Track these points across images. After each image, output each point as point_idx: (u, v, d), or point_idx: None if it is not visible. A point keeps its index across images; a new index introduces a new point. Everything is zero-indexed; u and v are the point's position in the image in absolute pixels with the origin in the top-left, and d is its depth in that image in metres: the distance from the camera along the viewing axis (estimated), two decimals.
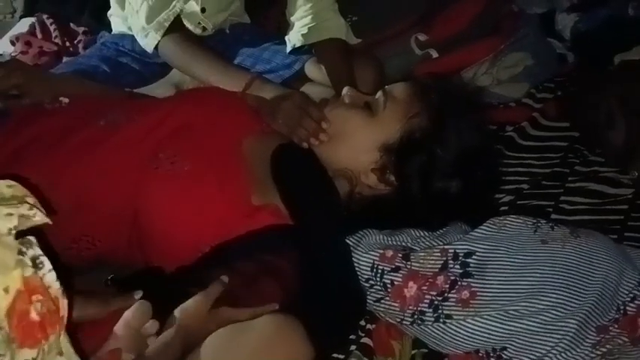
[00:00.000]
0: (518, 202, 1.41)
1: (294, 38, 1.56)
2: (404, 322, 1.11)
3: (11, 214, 0.56)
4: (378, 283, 1.12)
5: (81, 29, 2.02)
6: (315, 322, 0.99)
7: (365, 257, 1.14)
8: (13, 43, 1.99)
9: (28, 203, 0.58)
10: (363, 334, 1.14)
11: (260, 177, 1.16)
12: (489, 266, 1.09)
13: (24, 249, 0.55)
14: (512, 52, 1.74)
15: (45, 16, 2.07)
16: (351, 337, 1.13)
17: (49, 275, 0.56)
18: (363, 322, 1.15)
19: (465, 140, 1.16)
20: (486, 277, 1.08)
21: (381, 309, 1.13)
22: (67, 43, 1.97)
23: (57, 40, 1.97)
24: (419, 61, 1.70)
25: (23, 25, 2.09)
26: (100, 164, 1.11)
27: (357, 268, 1.13)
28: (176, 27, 1.43)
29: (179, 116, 1.19)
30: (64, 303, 0.58)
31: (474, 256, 1.11)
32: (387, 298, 1.11)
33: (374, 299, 1.13)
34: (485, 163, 1.19)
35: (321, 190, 1.18)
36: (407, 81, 1.23)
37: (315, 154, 1.20)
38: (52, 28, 2.02)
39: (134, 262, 1.13)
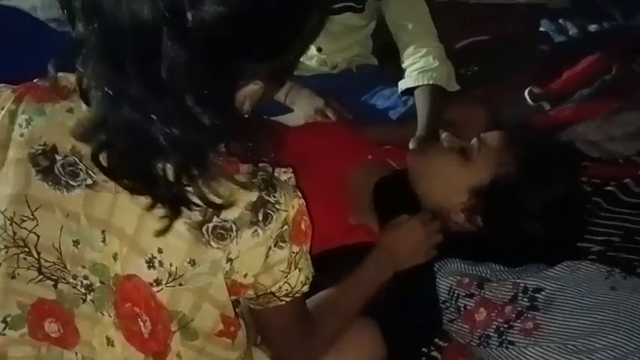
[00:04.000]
0: (608, 254, 1.46)
1: (402, 83, 1.74)
2: (472, 343, 1.23)
3: None
4: (453, 306, 1.26)
5: None
6: (392, 327, 1.16)
7: (444, 281, 1.28)
8: None
9: None
10: (434, 349, 1.27)
11: (360, 202, 1.35)
12: (556, 303, 1.19)
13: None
14: (627, 111, 1.78)
15: None
16: (423, 349, 1.27)
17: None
18: (437, 339, 1.29)
19: (550, 191, 1.27)
20: (551, 312, 1.19)
21: (453, 329, 1.26)
22: None
23: None
24: (531, 113, 1.81)
25: None
26: None
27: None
28: None
29: (299, 144, 1.41)
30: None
31: (542, 292, 1.21)
32: (459, 320, 1.25)
33: (448, 320, 1.26)
34: (569, 213, 1.29)
35: None
36: (501, 130, 1.36)
37: (412, 187, 1.36)
38: None
39: None
